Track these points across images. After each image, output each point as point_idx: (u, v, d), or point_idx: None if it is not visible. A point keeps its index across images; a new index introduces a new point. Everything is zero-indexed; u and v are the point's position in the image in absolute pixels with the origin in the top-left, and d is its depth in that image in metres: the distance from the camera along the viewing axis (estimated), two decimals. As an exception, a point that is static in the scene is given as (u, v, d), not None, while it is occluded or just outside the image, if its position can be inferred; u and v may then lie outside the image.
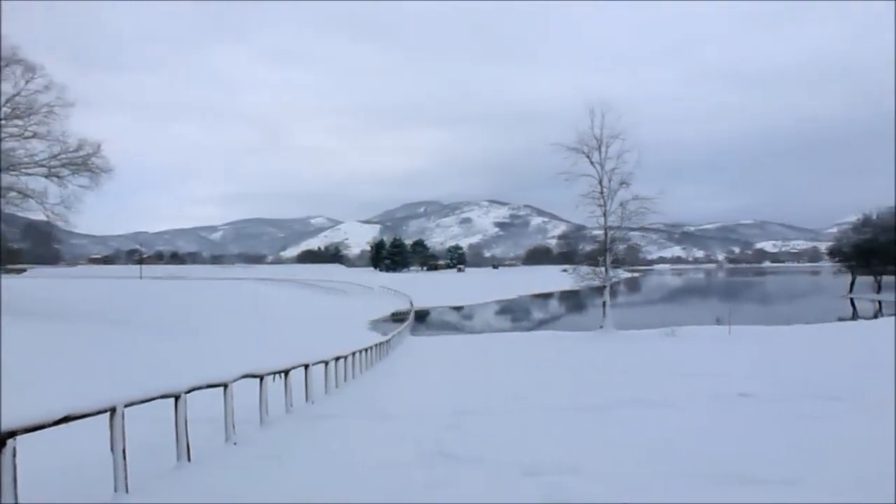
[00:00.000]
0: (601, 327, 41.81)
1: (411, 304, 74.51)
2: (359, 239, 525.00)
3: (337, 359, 18.29)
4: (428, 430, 11.19)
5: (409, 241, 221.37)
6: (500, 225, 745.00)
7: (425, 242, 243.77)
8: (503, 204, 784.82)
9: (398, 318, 64.06)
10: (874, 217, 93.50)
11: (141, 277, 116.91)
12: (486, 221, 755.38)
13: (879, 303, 75.04)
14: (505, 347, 35.12)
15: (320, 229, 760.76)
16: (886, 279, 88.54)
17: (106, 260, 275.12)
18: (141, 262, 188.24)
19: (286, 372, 13.18)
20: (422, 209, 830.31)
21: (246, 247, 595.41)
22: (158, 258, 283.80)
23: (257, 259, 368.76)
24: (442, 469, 8.36)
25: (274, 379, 12.56)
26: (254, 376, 11.23)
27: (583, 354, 29.51)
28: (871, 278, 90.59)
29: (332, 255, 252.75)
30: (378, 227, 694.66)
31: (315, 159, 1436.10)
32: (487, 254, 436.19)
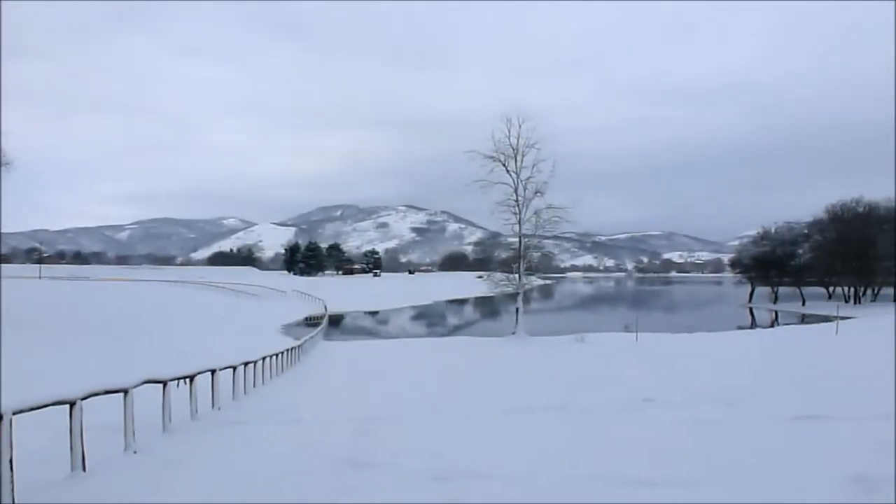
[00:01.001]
0: (514, 333, 42.35)
1: (325, 308, 73.59)
2: (273, 241, 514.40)
3: (246, 364, 17.88)
4: (338, 437, 11.08)
5: (324, 245, 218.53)
6: (416, 230, 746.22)
7: (341, 246, 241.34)
8: (420, 209, 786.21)
9: (312, 322, 63.17)
10: (772, 231, 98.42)
11: (40, 277, 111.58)
12: (402, 226, 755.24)
13: (776, 312, 78.91)
14: (419, 353, 35.14)
15: (233, 231, 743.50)
16: (783, 290, 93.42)
17: (2, 259, 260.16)
18: (41, 261, 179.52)
19: (191, 377, 12.77)
20: (338, 212, 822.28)
21: (154, 247, 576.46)
22: (60, 257, 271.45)
23: (166, 260, 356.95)
24: (351, 476, 8.27)
25: (178, 385, 12.16)
26: (157, 382, 10.84)
27: (495, 360, 29.84)
28: (769, 289, 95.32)
29: (245, 258, 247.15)
30: (293, 229, 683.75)
31: (228, 158, 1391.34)
32: (404, 259, 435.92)
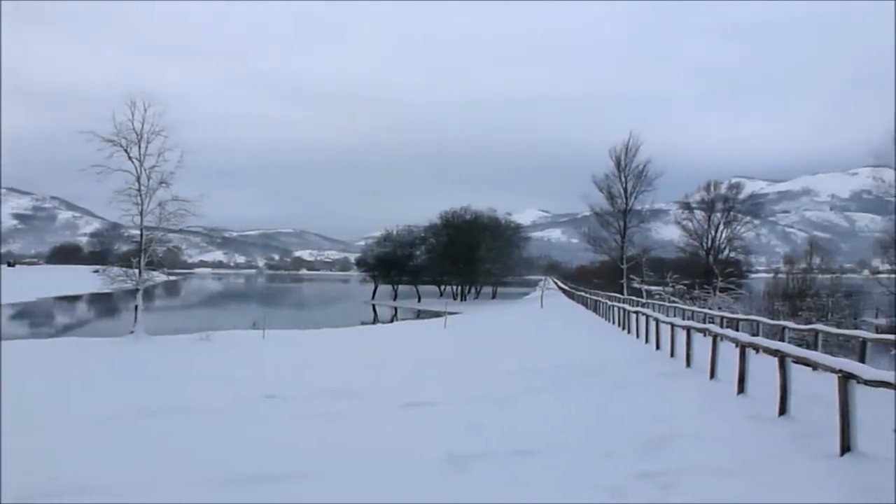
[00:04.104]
0: (132, 332, 39.45)
1: None
2: None
3: None
4: None
5: None
6: (19, 217, 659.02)
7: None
8: (25, 193, 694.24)
9: None
10: (394, 233, 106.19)
11: None
12: (2, 212, 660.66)
13: (395, 308, 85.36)
14: (15, 357, 30.75)
15: None
16: (402, 288, 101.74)
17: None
18: None
19: None
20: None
21: None
22: None
23: None
24: None
25: None
26: None
27: (108, 362, 27.43)
28: (390, 287, 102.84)
29: None
30: None
31: None
32: (3, 249, 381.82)
